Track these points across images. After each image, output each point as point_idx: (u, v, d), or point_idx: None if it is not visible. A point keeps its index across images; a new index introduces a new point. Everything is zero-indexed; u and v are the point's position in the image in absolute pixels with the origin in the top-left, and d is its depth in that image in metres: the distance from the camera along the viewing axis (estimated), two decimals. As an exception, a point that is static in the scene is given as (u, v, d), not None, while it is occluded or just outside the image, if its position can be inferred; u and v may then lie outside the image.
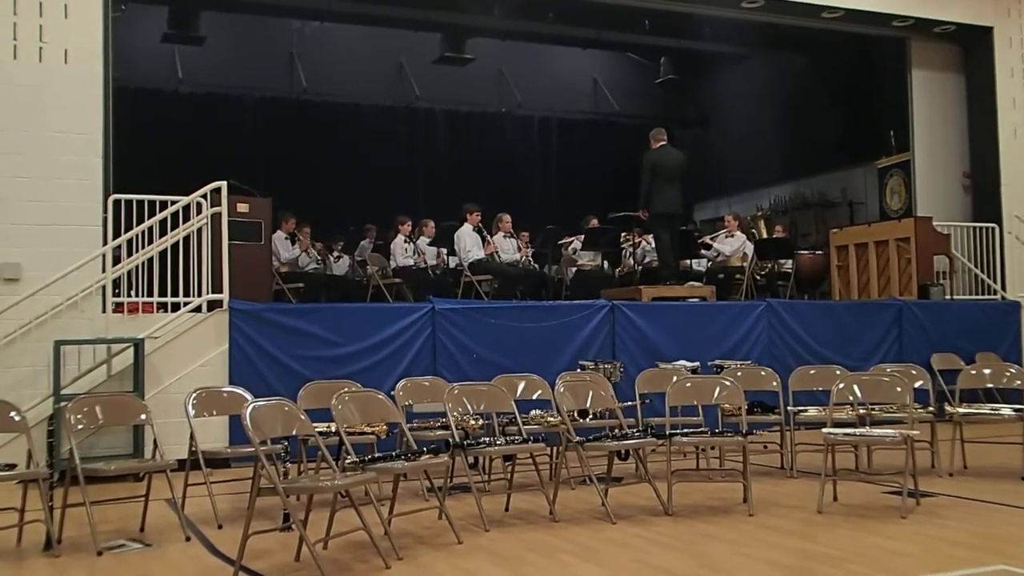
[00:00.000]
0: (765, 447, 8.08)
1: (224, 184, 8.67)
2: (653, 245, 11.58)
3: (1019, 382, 7.51)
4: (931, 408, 7.27)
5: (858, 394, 6.46)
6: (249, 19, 13.83)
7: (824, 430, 6.11)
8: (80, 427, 5.49)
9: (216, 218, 8.66)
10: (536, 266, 12.23)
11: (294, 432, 5.09)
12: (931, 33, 13.00)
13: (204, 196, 8.68)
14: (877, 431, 6.22)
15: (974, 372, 7.73)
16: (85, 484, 5.26)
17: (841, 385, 6.42)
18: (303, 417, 5.10)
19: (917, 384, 7.45)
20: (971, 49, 13.24)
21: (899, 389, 6.30)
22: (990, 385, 7.85)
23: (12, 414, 5.49)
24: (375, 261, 11.93)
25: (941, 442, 7.29)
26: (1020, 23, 13.01)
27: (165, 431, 6.32)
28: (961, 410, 7.26)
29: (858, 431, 6.27)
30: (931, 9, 12.49)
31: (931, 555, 4.81)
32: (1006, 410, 7.26)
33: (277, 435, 5.07)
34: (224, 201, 8.66)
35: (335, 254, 12.39)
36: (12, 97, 8.42)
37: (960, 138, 13.40)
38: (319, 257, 12.00)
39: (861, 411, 7.03)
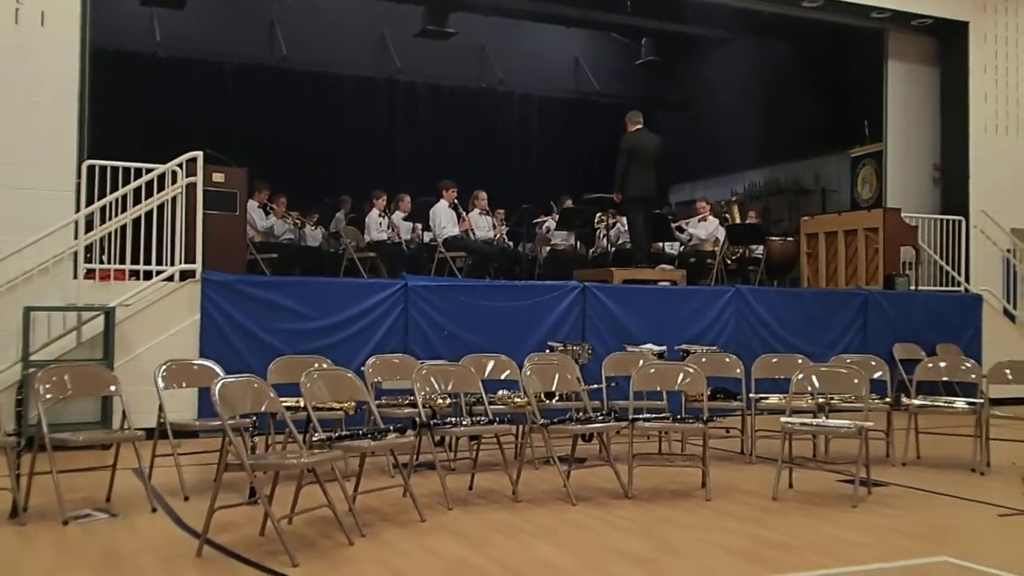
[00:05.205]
0: (728, 431, 8.23)
1: (200, 154, 8.67)
2: (627, 227, 11.68)
3: (974, 376, 7.70)
4: (888, 399, 7.44)
5: (816, 385, 6.61)
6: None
7: (782, 419, 6.26)
8: (48, 396, 5.51)
9: (191, 188, 8.67)
10: (510, 244, 12.32)
11: (263, 408, 5.16)
12: (908, 26, 13.13)
13: (179, 165, 8.67)
14: (833, 421, 6.38)
15: (931, 365, 7.90)
16: (52, 452, 5.31)
17: (800, 376, 6.57)
18: (272, 394, 5.18)
19: (876, 375, 7.60)
20: (947, 43, 13.38)
21: (856, 381, 6.45)
22: (946, 378, 8.03)
23: (-20, 380, 5.53)
24: (350, 234, 11.96)
25: (897, 431, 7.49)
26: (995, 19, 13.16)
27: (135, 399, 6.35)
28: (916, 402, 7.45)
29: (815, 421, 6.43)
30: (909, 2, 12.62)
31: (879, 544, 4.97)
32: (960, 403, 7.45)
33: (246, 411, 5.14)
34: (199, 171, 8.66)
35: (310, 225, 12.39)
36: (-13, 59, 8.36)
37: (932, 131, 13.57)
38: (297, 223, 11.98)
39: (820, 400, 7.19)
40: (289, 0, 14.47)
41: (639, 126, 10.82)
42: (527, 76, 16.34)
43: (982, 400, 7.24)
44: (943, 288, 12.48)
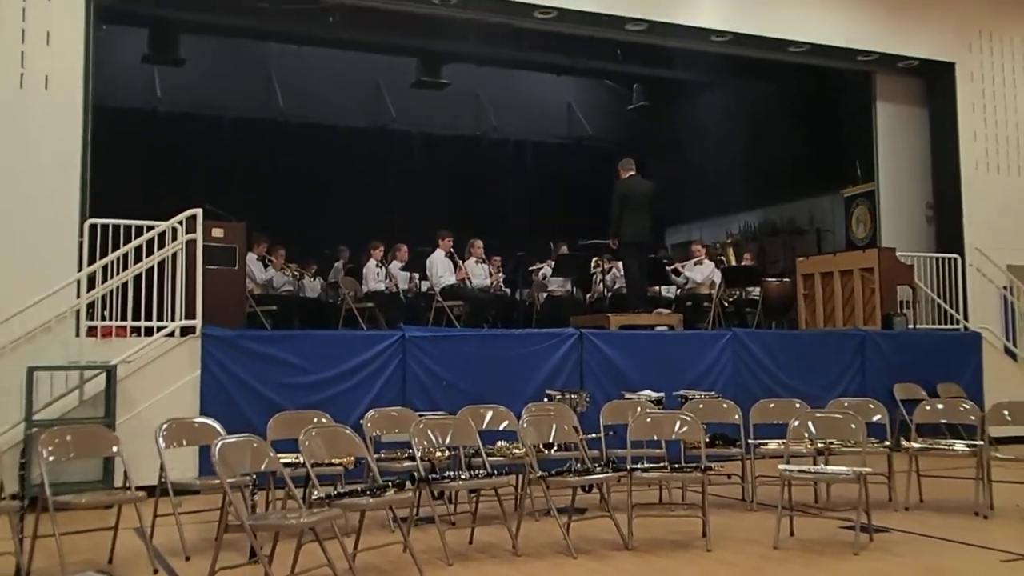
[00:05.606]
0: (729, 477, 8.19)
1: (199, 212, 8.78)
2: (623, 272, 11.77)
3: (973, 417, 7.71)
4: (887, 443, 7.45)
5: (813, 431, 6.63)
6: (228, 41, 13.92)
7: (780, 466, 6.28)
8: (51, 459, 5.56)
9: (191, 244, 8.77)
10: (507, 291, 12.39)
11: (263, 468, 5.20)
12: (895, 67, 13.35)
13: (179, 222, 8.78)
14: (832, 468, 6.41)
15: (928, 407, 7.91)
16: (55, 513, 5.34)
17: (796, 423, 6.60)
18: (271, 453, 5.22)
19: (875, 418, 7.64)
20: (934, 83, 13.59)
21: (853, 426, 6.49)
22: (943, 421, 8.05)
23: (-16, 446, 5.59)
24: (348, 285, 12.04)
25: (899, 474, 7.47)
26: (981, 59, 13.37)
27: (136, 457, 6.37)
28: (916, 445, 7.46)
29: (812, 468, 6.45)
30: (895, 45, 12.83)
31: (878, 593, 4.98)
32: (960, 445, 7.46)
33: (246, 471, 5.18)
34: (199, 228, 8.77)
35: (308, 277, 12.49)
36: (-9, 122, 8.52)
37: (923, 170, 13.71)
38: (295, 275, 12.09)
39: (819, 445, 7.19)
40: (285, 54, 14.68)
41: (631, 173, 10.95)
42: (521, 123, 16.53)
43: (982, 442, 7.26)
44: (942, 327, 12.49)
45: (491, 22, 11.79)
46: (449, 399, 8.52)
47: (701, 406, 7.73)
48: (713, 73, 14.29)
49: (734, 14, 11.98)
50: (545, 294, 12.80)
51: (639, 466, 6.42)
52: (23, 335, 8.10)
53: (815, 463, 7.11)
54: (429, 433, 6.34)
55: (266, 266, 11.64)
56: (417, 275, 12.06)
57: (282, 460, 5.56)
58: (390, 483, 5.51)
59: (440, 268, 11.34)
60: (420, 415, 7.03)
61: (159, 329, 8.52)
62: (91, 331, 8.45)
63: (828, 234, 15.11)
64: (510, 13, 11.41)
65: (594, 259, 12.60)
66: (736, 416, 7.64)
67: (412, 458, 6.45)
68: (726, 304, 12.80)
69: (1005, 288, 12.88)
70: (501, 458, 6.83)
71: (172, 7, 11.88)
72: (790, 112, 15.30)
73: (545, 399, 8.45)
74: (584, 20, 11.66)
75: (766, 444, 7.47)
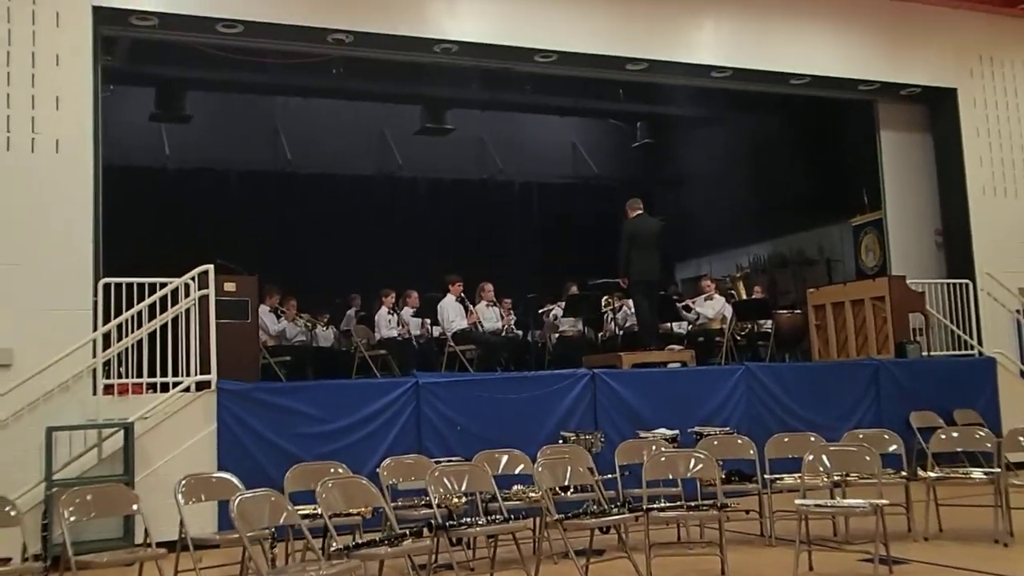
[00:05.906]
0: (747, 513, 8.17)
1: (211, 267, 8.89)
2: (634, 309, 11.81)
3: (989, 444, 7.69)
4: (904, 473, 7.43)
5: (828, 464, 6.63)
6: (234, 96, 14.12)
7: (796, 501, 6.28)
8: (72, 519, 5.64)
9: (204, 299, 8.87)
10: (519, 333, 12.44)
11: (281, 521, 5.24)
12: (897, 95, 13.42)
13: (192, 278, 8.88)
14: (848, 501, 6.41)
15: (944, 436, 7.89)
16: (77, 572, 5.39)
17: (811, 457, 6.60)
18: (289, 507, 5.26)
19: (891, 448, 7.62)
20: (937, 110, 13.64)
21: (868, 458, 6.48)
22: (959, 449, 8.02)
23: (7, 509, 5.66)
24: (360, 333, 12.12)
25: (917, 503, 7.44)
26: (983, 84, 13.43)
27: (155, 513, 6.41)
28: (932, 474, 7.44)
29: (829, 502, 6.44)
30: (895, 73, 12.91)
31: (900, 627, 4.95)
32: (977, 473, 7.44)
33: (264, 525, 5.22)
34: (211, 283, 8.87)
35: (320, 326, 12.56)
36: (4, 185, 8.66)
37: (931, 196, 13.73)
38: (308, 325, 12.18)
39: (836, 477, 7.18)
40: (291, 106, 14.88)
41: (639, 211, 11.04)
42: (526, 165, 16.57)
43: (999, 469, 7.23)
44: (956, 353, 12.42)
45: (493, 67, 11.97)
46: (464, 444, 8.54)
47: (716, 443, 7.73)
48: (716, 108, 14.42)
49: (733, 50, 12.12)
50: (557, 335, 12.85)
51: (656, 505, 6.42)
52: (41, 395, 8.19)
53: (832, 496, 7.10)
54: (445, 480, 6.37)
55: (279, 317, 11.74)
56: (429, 321, 12.12)
57: (300, 512, 5.62)
58: (408, 531, 5.54)
59: (451, 313, 11.43)
60: (436, 462, 7.07)
61: (175, 385, 8.59)
62: (108, 389, 8.53)
63: (838, 264, 15.12)
64: (511, 58, 11.57)
65: (604, 298, 12.64)
66: (751, 451, 7.63)
67: (429, 505, 6.47)
68: (738, 338, 12.80)
69: (1018, 312, 12.83)
70: (518, 502, 6.84)
71: (177, 66, 12.10)
72: (794, 143, 15.36)
73: (560, 441, 8.47)
74: (584, 62, 11.81)
75: (782, 479, 7.46)
